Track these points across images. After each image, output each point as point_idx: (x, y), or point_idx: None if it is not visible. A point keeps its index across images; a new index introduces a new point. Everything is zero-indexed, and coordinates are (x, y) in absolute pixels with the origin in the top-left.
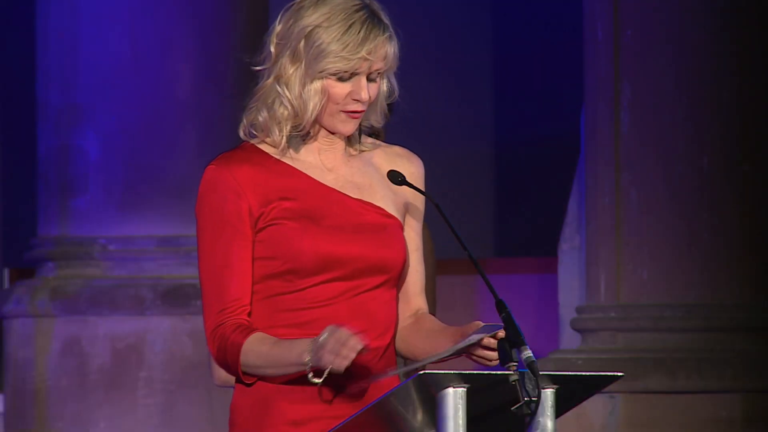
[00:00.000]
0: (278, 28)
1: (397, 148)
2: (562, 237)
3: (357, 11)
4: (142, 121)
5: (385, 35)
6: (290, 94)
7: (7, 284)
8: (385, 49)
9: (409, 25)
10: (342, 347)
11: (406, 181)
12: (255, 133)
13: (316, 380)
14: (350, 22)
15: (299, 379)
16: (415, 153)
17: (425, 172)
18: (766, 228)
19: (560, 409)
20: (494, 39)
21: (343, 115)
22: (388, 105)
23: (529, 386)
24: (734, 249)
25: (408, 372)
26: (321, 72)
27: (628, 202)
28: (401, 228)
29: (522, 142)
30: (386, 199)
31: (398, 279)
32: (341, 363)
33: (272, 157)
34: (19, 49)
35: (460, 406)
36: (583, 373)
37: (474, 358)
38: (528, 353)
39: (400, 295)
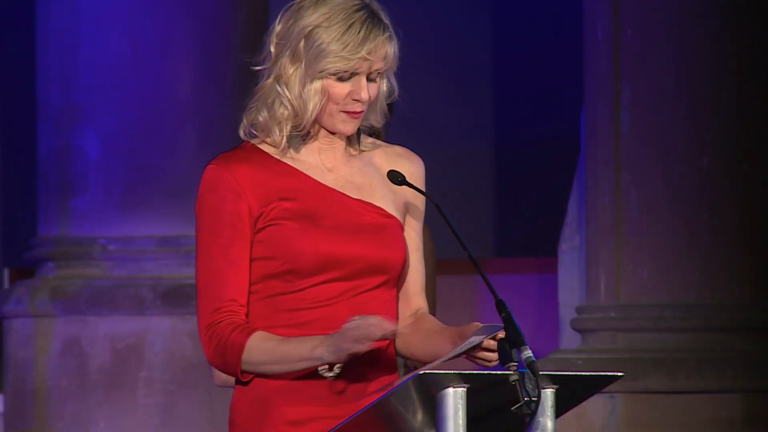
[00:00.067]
0: (278, 28)
1: (397, 148)
2: (562, 237)
3: (357, 11)
4: (142, 121)
5: (385, 35)
6: (290, 94)
7: (7, 284)
8: (385, 49)
9: (409, 25)
10: (369, 327)
11: (406, 181)
12: (255, 133)
13: (329, 374)
14: (350, 22)
15: (299, 379)
16: (415, 153)
17: (425, 172)
18: (766, 228)
19: (560, 409)
20: (494, 39)
21: (343, 115)
22: (388, 105)
23: (529, 386)
24: (734, 249)
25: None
26: (321, 72)
27: (628, 202)
28: (401, 228)
29: (522, 142)
30: (386, 199)
31: (398, 279)
32: (362, 344)
33: (272, 157)
34: (19, 49)
35: (460, 406)
36: (583, 373)
37: (473, 359)
38: (528, 353)
39: (400, 294)
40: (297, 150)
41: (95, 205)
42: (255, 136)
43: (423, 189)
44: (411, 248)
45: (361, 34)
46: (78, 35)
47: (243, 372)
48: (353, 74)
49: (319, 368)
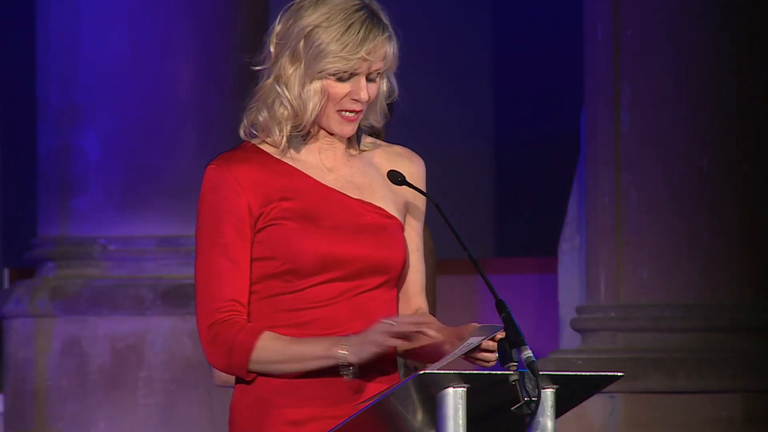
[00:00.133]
0: (278, 28)
1: (398, 148)
2: (562, 237)
3: (356, 11)
4: (142, 121)
5: (385, 35)
6: (290, 94)
7: (7, 284)
8: (384, 50)
9: (409, 25)
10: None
11: (406, 181)
12: (255, 133)
13: (347, 373)
14: (350, 22)
15: (299, 379)
16: (415, 153)
17: (426, 172)
18: (766, 228)
19: (560, 409)
20: (494, 39)
21: (340, 117)
22: (388, 105)
23: (529, 386)
24: (734, 249)
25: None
26: (320, 72)
27: (628, 202)
28: (401, 228)
29: (522, 142)
30: (386, 199)
31: (398, 279)
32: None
33: (272, 157)
34: (19, 49)
35: (460, 406)
36: (583, 373)
37: (472, 359)
38: (528, 353)
39: (401, 294)
40: (297, 150)
41: (95, 205)
42: (255, 136)
43: (424, 189)
44: (411, 248)
45: (361, 34)
46: (78, 35)
47: (249, 372)
48: (353, 74)
49: (341, 368)
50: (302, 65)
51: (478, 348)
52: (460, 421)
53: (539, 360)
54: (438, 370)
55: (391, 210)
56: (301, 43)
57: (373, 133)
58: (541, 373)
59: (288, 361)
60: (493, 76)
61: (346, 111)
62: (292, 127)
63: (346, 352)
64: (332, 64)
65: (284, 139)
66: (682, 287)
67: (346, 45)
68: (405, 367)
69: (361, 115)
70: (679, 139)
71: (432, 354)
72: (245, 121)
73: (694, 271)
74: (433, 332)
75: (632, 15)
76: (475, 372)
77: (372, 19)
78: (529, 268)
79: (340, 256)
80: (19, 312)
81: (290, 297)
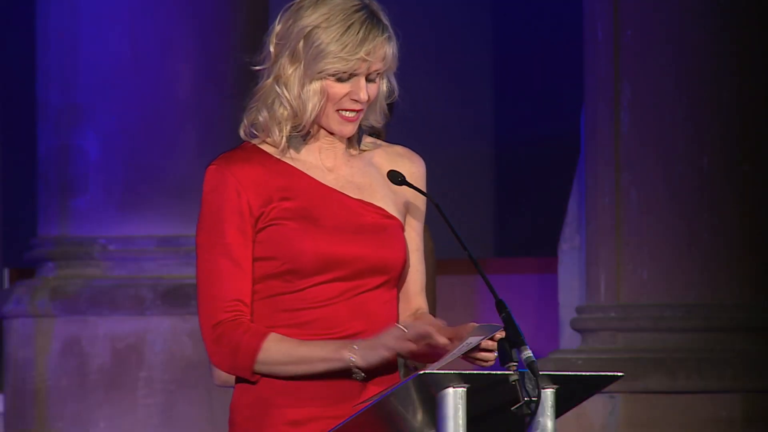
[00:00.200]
0: (278, 28)
1: (398, 148)
2: (562, 237)
3: (356, 12)
4: (142, 121)
5: (384, 36)
6: (289, 94)
7: (7, 284)
8: (384, 50)
9: (409, 25)
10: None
11: (406, 181)
12: (255, 133)
13: (360, 376)
14: (349, 22)
15: (299, 380)
16: (416, 153)
17: (426, 172)
18: (766, 228)
19: (560, 409)
20: (494, 39)
21: (340, 117)
22: (388, 105)
23: (529, 386)
24: (734, 249)
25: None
26: (320, 72)
27: (628, 202)
28: (401, 228)
29: (522, 142)
30: (386, 199)
31: (398, 279)
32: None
33: (273, 157)
34: (19, 49)
35: (460, 406)
36: (583, 373)
37: (471, 359)
38: (528, 353)
39: (401, 294)
40: (297, 150)
41: (95, 205)
42: (255, 136)
43: (424, 189)
44: (411, 248)
45: (360, 34)
46: (78, 35)
47: (254, 373)
48: (352, 75)
49: (353, 370)
50: (302, 65)
51: (477, 348)
52: (460, 421)
53: (539, 360)
54: (438, 370)
55: (392, 210)
56: (301, 43)
57: (374, 133)
58: (541, 373)
59: (295, 363)
60: (493, 76)
61: (345, 111)
62: (291, 127)
63: (355, 356)
64: (332, 65)
65: (284, 139)
66: (682, 287)
67: (346, 45)
68: (405, 367)
69: (361, 115)
70: (679, 139)
71: (432, 354)
72: (245, 121)
73: (694, 271)
74: (444, 339)
75: (632, 15)
76: (475, 372)
77: (372, 20)
78: (529, 268)
79: (340, 256)
80: (19, 312)
81: (290, 297)
